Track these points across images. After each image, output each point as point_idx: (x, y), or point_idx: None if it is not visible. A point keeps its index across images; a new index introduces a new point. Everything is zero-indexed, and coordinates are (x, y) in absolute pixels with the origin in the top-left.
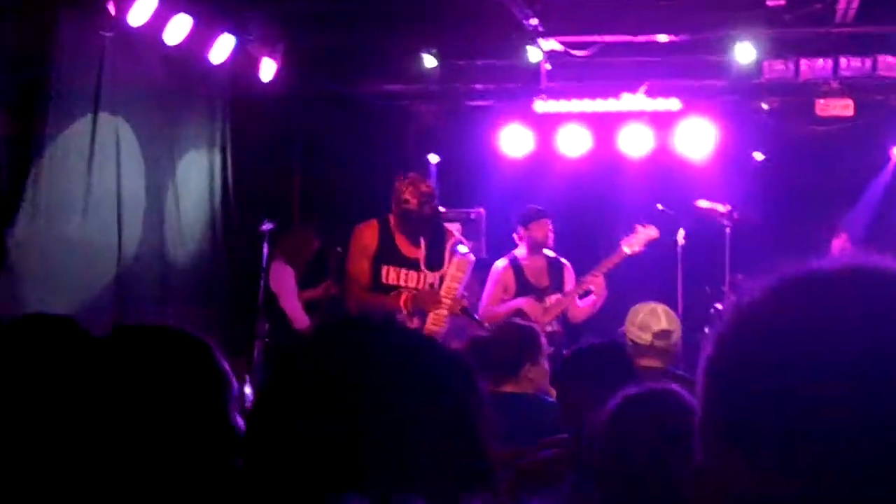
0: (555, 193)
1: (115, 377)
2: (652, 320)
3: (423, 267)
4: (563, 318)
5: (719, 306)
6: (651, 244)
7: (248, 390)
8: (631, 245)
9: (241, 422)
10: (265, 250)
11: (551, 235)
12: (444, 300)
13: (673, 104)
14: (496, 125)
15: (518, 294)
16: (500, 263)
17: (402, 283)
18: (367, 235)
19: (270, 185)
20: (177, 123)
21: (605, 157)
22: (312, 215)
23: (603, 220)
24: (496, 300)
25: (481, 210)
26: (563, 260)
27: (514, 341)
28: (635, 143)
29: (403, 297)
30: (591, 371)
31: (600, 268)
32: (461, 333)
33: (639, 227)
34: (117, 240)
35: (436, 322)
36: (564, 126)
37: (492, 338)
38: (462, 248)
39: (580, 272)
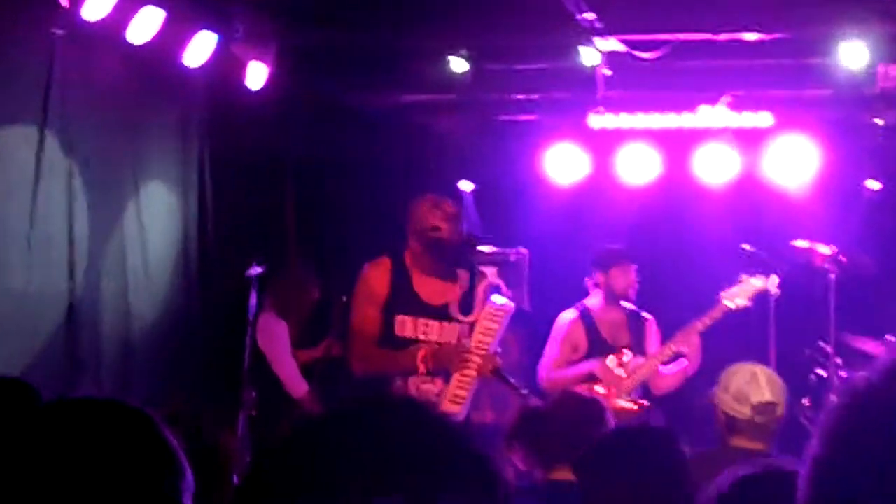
0: (613, 230)
1: (40, 456)
2: (752, 389)
3: (452, 313)
4: (643, 389)
5: (822, 373)
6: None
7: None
8: (733, 298)
9: None
10: (252, 300)
11: (635, 285)
12: (472, 358)
13: (763, 119)
14: (541, 145)
15: (590, 355)
16: (568, 315)
17: (420, 335)
18: (376, 277)
19: (259, 220)
20: (143, 142)
21: (676, 185)
22: (311, 257)
23: (675, 264)
24: (562, 361)
25: (523, 251)
26: (644, 314)
27: (574, 417)
28: (715, 167)
29: (422, 352)
30: None
31: (695, 325)
32: (499, 402)
33: (744, 277)
34: (67, 287)
35: (461, 385)
36: (626, 146)
37: (547, 410)
38: (498, 298)
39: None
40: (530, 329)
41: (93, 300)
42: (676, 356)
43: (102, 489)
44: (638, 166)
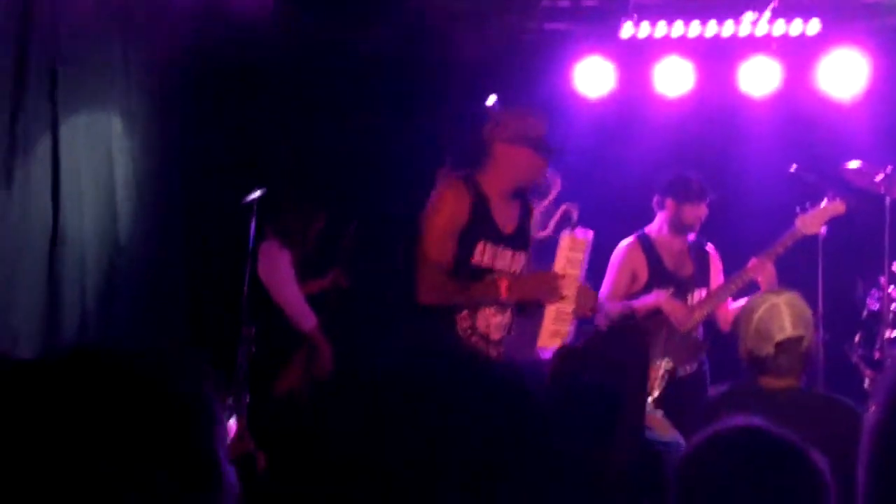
0: (649, 149)
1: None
2: (773, 325)
3: (521, 240)
4: (707, 325)
5: (875, 307)
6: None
7: (231, 422)
8: (808, 224)
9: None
10: (252, 228)
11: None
12: (565, 291)
13: (812, 27)
14: (569, 57)
15: (650, 286)
16: (627, 242)
17: (496, 265)
18: (457, 200)
19: (257, 141)
20: (123, 61)
21: (717, 101)
22: (316, 182)
23: (720, 188)
24: (620, 292)
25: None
26: (708, 245)
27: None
28: (760, 80)
29: (506, 282)
30: None
31: (769, 253)
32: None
33: (818, 204)
34: (52, 217)
35: (561, 318)
36: (662, 58)
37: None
38: (578, 230)
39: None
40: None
41: (78, 227)
42: (748, 286)
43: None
44: (675, 80)
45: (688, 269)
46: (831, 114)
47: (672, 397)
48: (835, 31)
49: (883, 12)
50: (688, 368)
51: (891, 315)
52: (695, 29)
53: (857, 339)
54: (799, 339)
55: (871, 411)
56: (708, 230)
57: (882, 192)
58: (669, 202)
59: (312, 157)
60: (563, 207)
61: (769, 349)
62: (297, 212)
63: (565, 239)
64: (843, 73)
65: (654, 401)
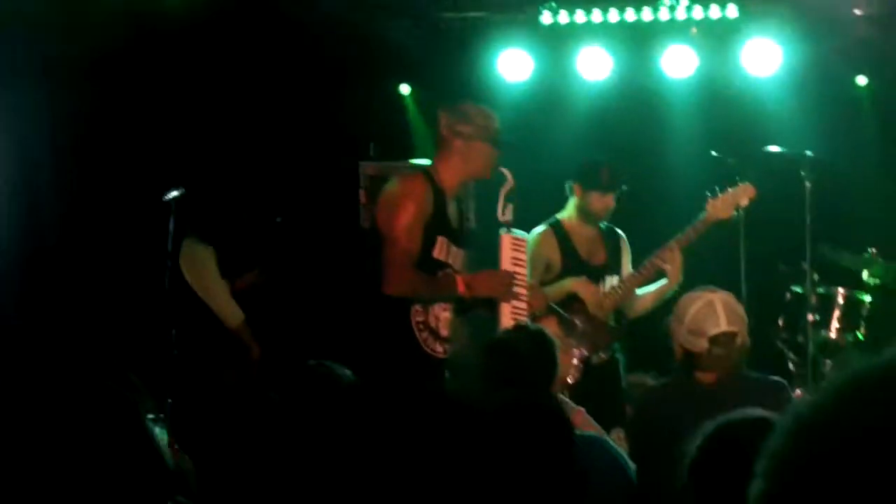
0: (571, 134)
1: None
2: (708, 321)
3: (465, 237)
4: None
5: (798, 290)
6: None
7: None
8: (719, 208)
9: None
10: (171, 226)
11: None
12: (519, 290)
13: (730, 12)
14: (491, 45)
15: (564, 274)
16: (539, 230)
17: (449, 260)
18: (421, 193)
19: (177, 136)
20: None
21: (637, 86)
22: (239, 177)
23: (639, 173)
24: (535, 281)
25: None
26: (618, 230)
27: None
28: (679, 64)
29: (460, 279)
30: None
31: (678, 240)
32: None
33: (728, 189)
34: None
35: (517, 316)
36: (582, 44)
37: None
38: (514, 230)
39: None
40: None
41: None
42: (657, 275)
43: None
44: (596, 65)
45: (600, 256)
46: (751, 98)
47: (586, 384)
48: (752, 16)
49: None
50: (602, 356)
51: (814, 299)
52: (614, 15)
53: (780, 322)
54: (733, 335)
55: (756, 488)
56: (628, 214)
57: (805, 177)
58: (577, 189)
59: (234, 151)
60: (506, 206)
61: (703, 344)
62: (220, 208)
63: (507, 239)
64: (762, 58)
65: (570, 388)
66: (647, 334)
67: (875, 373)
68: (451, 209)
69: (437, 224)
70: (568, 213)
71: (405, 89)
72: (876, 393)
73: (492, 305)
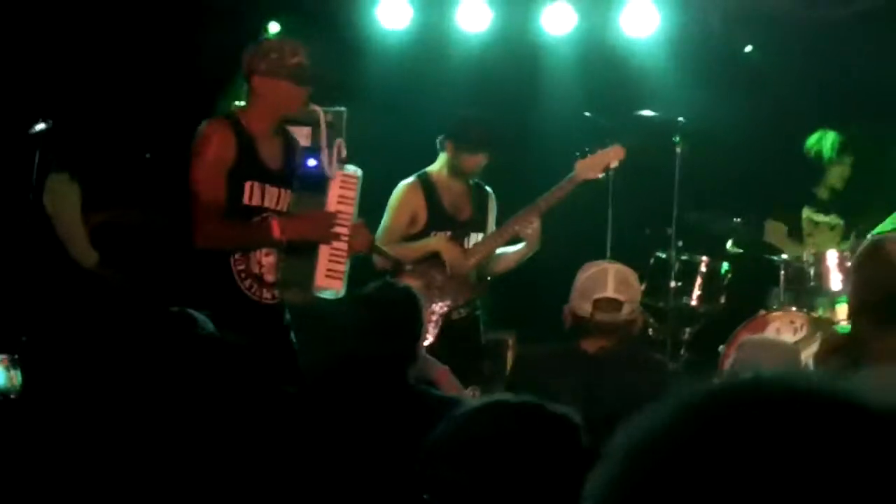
0: (448, 86)
1: None
2: (595, 285)
3: (287, 178)
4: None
5: (662, 255)
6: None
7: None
8: (587, 169)
9: None
10: (36, 160)
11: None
12: (340, 230)
13: None
14: None
15: (429, 229)
16: (407, 183)
17: (266, 203)
18: (222, 139)
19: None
20: None
21: (515, 41)
22: (107, 114)
23: (518, 126)
24: (398, 233)
25: (341, 109)
26: (487, 188)
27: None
28: (558, 21)
29: (276, 223)
30: None
31: (546, 198)
32: None
33: (598, 149)
34: None
35: (336, 258)
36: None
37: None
38: (348, 166)
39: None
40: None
41: None
42: (516, 239)
43: None
44: (475, 17)
45: (466, 212)
46: (628, 59)
47: (445, 341)
48: None
49: None
50: (462, 312)
51: (677, 265)
52: None
53: (643, 286)
54: (617, 303)
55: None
56: (499, 170)
57: (674, 142)
58: (449, 145)
59: (103, 86)
60: (337, 142)
61: (587, 308)
62: (88, 143)
63: (337, 176)
64: (640, 19)
65: (429, 346)
66: (509, 293)
67: (705, 398)
68: (269, 150)
69: (244, 169)
70: (438, 167)
71: (274, 28)
72: (707, 417)
73: (310, 247)
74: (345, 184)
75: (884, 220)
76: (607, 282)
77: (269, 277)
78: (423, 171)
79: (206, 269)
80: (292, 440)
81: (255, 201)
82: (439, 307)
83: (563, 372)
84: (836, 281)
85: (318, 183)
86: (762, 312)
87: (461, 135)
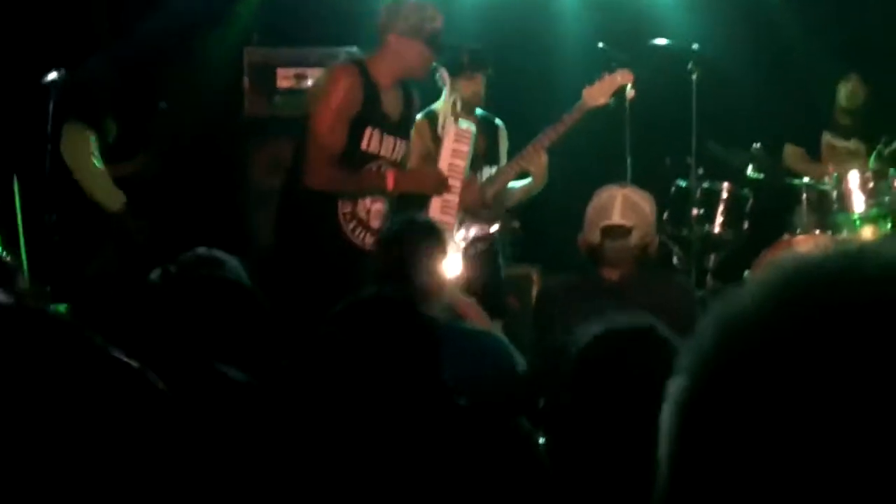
0: (457, 26)
1: None
2: (602, 213)
3: (405, 129)
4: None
5: (682, 184)
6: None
7: None
8: (595, 95)
9: None
10: (50, 110)
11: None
12: (453, 183)
13: None
14: None
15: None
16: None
17: (382, 152)
18: (350, 84)
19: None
20: None
21: None
22: (123, 63)
23: (527, 63)
24: None
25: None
26: (497, 120)
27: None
28: None
29: (392, 174)
30: None
31: (555, 128)
32: None
33: (605, 74)
34: None
35: (446, 210)
36: None
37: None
38: (461, 121)
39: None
40: None
41: None
42: (523, 173)
43: None
44: None
45: (479, 145)
46: None
47: (466, 274)
48: None
49: None
50: (479, 246)
51: (699, 193)
52: None
53: (665, 216)
54: (625, 229)
55: (678, 384)
56: (512, 104)
57: (690, 69)
58: (444, 77)
59: (119, 36)
60: (453, 97)
61: (597, 236)
62: (103, 93)
63: (450, 130)
64: None
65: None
66: (531, 227)
67: (803, 273)
68: (390, 100)
69: (366, 115)
70: (441, 103)
71: None
72: (804, 291)
73: (422, 200)
74: (459, 138)
75: None
76: (614, 208)
77: (375, 224)
78: (429, 108)
79: (312, 209)
80: (312, 379)
81: (373, 148)
82: (460, 240)
83: (586, 302)
84: (859, 202)
85: None
86: (786, 236)
87: (452, 62)
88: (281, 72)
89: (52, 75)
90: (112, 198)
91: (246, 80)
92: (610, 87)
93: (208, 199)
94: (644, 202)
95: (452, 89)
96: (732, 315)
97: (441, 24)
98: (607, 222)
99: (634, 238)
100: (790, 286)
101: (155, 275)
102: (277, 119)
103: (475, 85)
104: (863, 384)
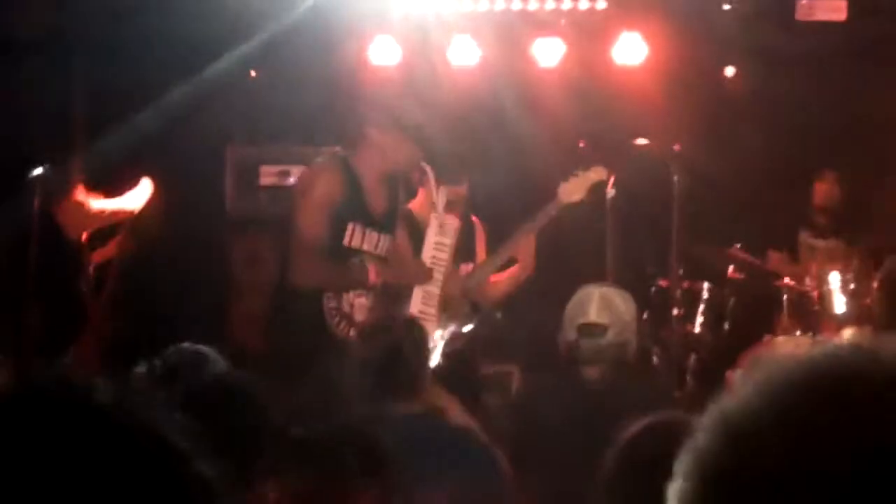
0: (438, 120)
1: None
2: (578, 311)
3: (392, 224)
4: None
5: (663, 284)
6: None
7: None
8: (570, 191)
9: None
10: (35, 204)
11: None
12: (434, 274)
13: (599, 4)
14: (362, 31)
15: None
16: None
17: (365, 247)
18: (330, 180)
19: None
20: None
21: (506, 75)
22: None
23: (508, 162)
24: None
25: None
26: (473, 217)
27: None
28: (548, 54)
29: (372, 267)
30: None
31: (529, 226)
32: None
33: (579, 172)
34: None
35: (427, 302)
36: (452, 32)
37: None
38: (447, 214)
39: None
40: None
41: None
42: (509, 262)
43: None
44: (464, 54)
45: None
46: (620, 90)
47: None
48: (622, 9)
49: None
50: (457, 343)
51: (679, 292)
52: (483, 4)
53: (645, 315)
54: (601, 328)
55: (680, 487)
56: (493, 203)
57: (671, 170)
58: (429, 175)
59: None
60: (439, 190)
61: (573, 334)
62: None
63: (434, 224)
64: (631, 50)
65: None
66: (511, 325)
67: (801, 371)
68: (374, 195)
69: (348, 211)
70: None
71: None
72: (805, 392)
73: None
74: (442, 231)
75: (884, 242)
76: (590, 305)
77: (360, 317)
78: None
79: (298, 305)
80: None
81: (356, 243)
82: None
83: (564, 402)
84: (839, 304)
85: None
86: (767, 337)
87: (439, 166)
88: (264, 169)
89: (37, 171)
90: None
91: (228, 177)
92: (584, 183)
93: (188, 292)
94: (621, 301)
95: (436, 185)
96: (738, 418)
97: (419, 116)
98: (583, 320)
99: (610, 336)
100: (795, 387)
101: (141, 368)
102: (260, 215)
103: (461, 190)
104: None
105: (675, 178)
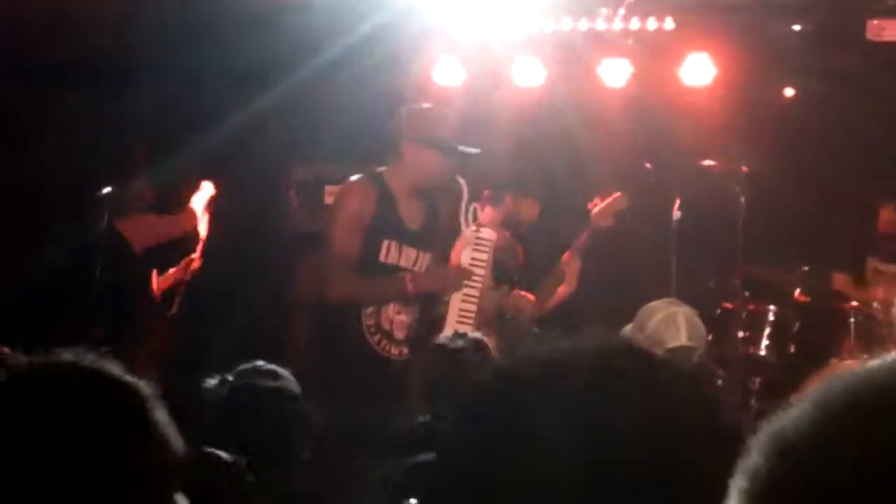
0: (501, 140)
1: None
2: (668, 333)
3: (429, 240)
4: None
5: (728, 306)
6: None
7: None
8: (599, 217)
9: None
10: (104, 223)
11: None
12: (472, 283)
13: (667, 24)
14: (427, 51)
15: None
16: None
17: (402, 263)
18: (362, 197)
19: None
20: None
21: (573, 97)
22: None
23: (573, 186)
24: None
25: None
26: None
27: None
28: (615, 75)
29: (408, 277)
30: None
31: (575, 248)
32: None
33: (597, 199)
34: None
35: (467, 300)
36: (517, 55)
37: None
38: (482, 228)
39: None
40: None
41: None
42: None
43: None
44: (529, 74)
45: (513, 258)
46: (687, 111)
47: None
48: (688, 28)
49: (738, 11)
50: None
51: (744, 314)
52: (549, 25)
53: (710, 337)
54: (691, 351)
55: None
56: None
57: (737, 192)
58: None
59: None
60: (472, 206)
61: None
62: (148, 208)
63: (469, 239)
64: (699, 71)
65: None
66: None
67: (861, 386)
68: (410, 211)
69: (381, 227)
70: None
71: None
72: (869, 411)
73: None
74: (478, 246)
75: None
76: (680, 329)
77: (399, 335)
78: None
79: (335, 321)
80: None
81: (392, 259)
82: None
83: None
84: None
85: None
86: (833, 361)
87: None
88: (329, 189)
89: (106, 189)
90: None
91: (293, 195)
92: (610, 210)
93: (253, 310)
94: (700, 322)
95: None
96: (794, 435)
97: (449, 129)
98: (676, 343)
99: (694, 358)
100: (855, 402)
101: (212, 383)
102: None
103: (529, 208)
104: None
105: (742, 199)
